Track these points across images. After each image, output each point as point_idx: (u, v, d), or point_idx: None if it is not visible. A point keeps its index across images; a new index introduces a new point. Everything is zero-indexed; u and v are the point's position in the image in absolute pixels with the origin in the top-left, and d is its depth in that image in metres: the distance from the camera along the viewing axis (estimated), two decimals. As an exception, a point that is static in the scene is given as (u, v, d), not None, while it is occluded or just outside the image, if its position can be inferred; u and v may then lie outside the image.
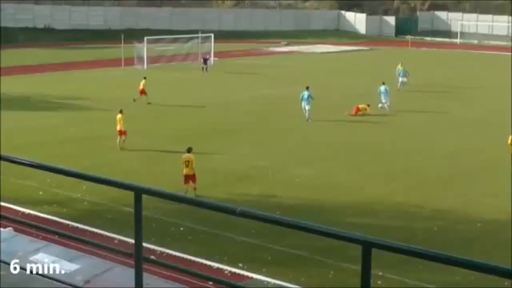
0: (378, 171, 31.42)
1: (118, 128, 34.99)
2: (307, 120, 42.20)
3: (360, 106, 44.53)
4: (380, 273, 18.36)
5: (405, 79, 55.06)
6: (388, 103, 46.48)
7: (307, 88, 43.54)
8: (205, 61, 67.21)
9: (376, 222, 24.33)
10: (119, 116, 35.24)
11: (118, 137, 34.93)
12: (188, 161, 27.04)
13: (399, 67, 56.91)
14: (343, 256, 19.17)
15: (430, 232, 23.57)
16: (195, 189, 26.97)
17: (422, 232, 23.49)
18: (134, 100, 47.09)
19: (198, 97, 50.62)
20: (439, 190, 28.63)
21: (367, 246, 4.98)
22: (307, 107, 42.66)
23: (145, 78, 48.89)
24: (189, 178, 27.11)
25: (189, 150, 27.61)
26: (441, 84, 58.34)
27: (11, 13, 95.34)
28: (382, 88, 47.17)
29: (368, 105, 44.91)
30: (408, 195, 27.87)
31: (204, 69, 65.83)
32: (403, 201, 27.18)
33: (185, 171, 27.09)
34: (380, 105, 46.80)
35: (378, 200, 27.15)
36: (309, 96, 42.85)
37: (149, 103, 47.23)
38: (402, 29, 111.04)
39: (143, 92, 47.70)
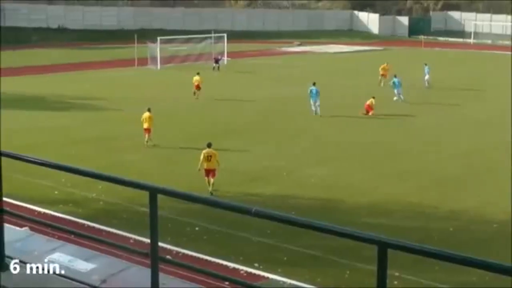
0: (392, 171, 31.35)
1: (145, 126, 35.28)
2: (319, 116, 43.09)
3: (368, 102, 44.71)
4: (397, 274, 18.31)
5: (427, 77, 56.56)
6: (401, 94, 48.46)
7: (314, 84, 44.67)
8: (217, 61, 67.45)
9: (391, 223, 24.26)
10: (146, 114, 35.49)
11: (146, 135, 35.23)
12: (211, 156, 27.70)
13: (385, 66, 58.14)
14: (358, 256, 19.11)
15: (446, 232, 23.49)
16: (212, 184, 27.60)
17: (437, 233, 23.40)
18: (197, 98, 49.43)
19: (211, 97, 50.62)
20: (454, 190, 28.53)
21: (383, 247, 4.99)
22: (315, 103, 43.83)
23: (198, 73, 51.71)
24: (210, 172, 27.75)
25: (209, 145, 28.22)
26: (454, 84, 58.19)
27: (25, 13, 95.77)
28: (396, 80, 49.38)
29: (374, 98, 45.07)
30: (422, 195, 27.77)
31: (216, 68, 65.98)
32: (418, 201, 27.08)
33: (206, 165, 27.68)
34: (395, 98, 47.21)
35: (393, 200, 27.09)
36: (317, 91, 44.01)
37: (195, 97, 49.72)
38: (415, 29, 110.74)
39: (198, 87, 49.98)
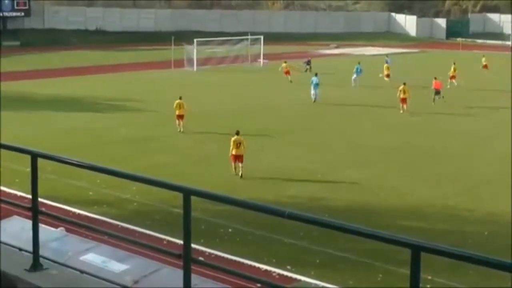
0: (428, 174, 31.17)
1: (177, 113, 38.78)
2: (314, 102, 48.97)
3: (402, 95, 45.97)
4: (429, 277, 18.21)
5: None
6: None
7: (316, 74, 51.28)
8: (309, 62, 68.25)
9: (426, 226, 24.14)
10: (179, 101, 38.96)
11: (177, 121, 38.72)
12: (240, 143, 30.21)
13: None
14: (392, 259, 19.03)
15: (481, 236, 23.31)
16: (242, 168, 29.92)
17: (472, 236, 23.24)
18: (290, 82, 57.91)
19: (247, 98, 50.71)
20: (490, 194, 28.29)
21: (416, 250, 4.97)
22: (315, 92, 49.41)
23: (285, 61, 62.29)
24: (238, 157, 30.12)
25: (237, 133, 30.84)
26: (492, 87, 57.64)
27: (64, 16, 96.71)
28: (357, 66, 56.70)
29: (404, 84, 47.00)
30: (459, 199, 27.59)
31: (308, 70, 66.22)
32: (454, 204, 26.91)
33: (235, 151, 30.14)
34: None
35: (428, 204, 26.93)
36: (317, 83, 49.82)
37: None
38: (453, 31, 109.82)
39: (288, 73, 59.78)
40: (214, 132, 38.67)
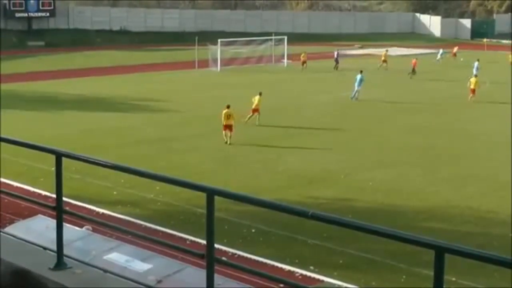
0: (453, 175, 30.98)
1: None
2: (352, 99, 50.01)
3: (471, 85, 49.91)
4: (453, 279, 18.11)
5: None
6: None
7: (361, 72, 51.71)
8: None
9: (450, 227, 24.02)
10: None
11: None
12: (230, 115, 35.63)
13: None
14: (415, 260, 18.96)
15: (506, 238, 23.14)
16: (230, 137, 35.29)
17: (497, 238, 23.09)
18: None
19: (271, 99, 50.65)
20: (515, 196, 28.09)
21: (440, 251, 4.95)
22: (357, 88, 50.27)
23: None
24: (229, 127, 35.53)
25: (228, 107, 35.95)
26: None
27: (88, 16, 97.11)
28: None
29: (476, 76, 51.79)
30: (483, 200, 27.42)
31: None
32: (478, 206, 26.75)
33: (226, 122, 35.59)
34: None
35: (452, 205, 26.79)
36: (361, 79, 50.47)
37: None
38: (478, 32, 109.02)
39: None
40: (235, 132, 38.69)
